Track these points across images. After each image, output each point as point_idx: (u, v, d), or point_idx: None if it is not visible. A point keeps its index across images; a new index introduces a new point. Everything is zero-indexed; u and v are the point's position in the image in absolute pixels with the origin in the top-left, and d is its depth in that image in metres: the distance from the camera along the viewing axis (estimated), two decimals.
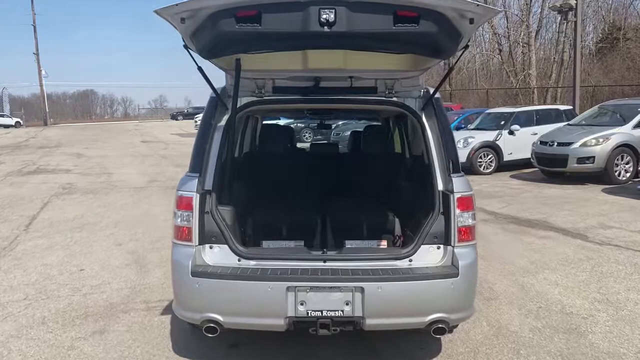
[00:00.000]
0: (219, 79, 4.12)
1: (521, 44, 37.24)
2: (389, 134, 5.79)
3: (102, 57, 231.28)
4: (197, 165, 3.83)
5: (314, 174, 5.35)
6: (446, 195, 3.77)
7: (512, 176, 14.87)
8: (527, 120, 16.19)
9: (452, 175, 3.79)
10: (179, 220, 3.76)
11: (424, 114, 4.02)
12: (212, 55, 3.21)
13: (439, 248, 3.77)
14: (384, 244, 4.48)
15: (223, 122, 3.97)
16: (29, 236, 8.46)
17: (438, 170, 3.87)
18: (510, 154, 15.52)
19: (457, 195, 3.71)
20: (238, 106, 3.92)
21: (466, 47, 3.28)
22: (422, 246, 3.74)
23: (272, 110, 6.06)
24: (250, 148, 6.05)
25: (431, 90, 3.98)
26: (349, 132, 18.45)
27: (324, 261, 3.69)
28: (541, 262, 6.70)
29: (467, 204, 3.75)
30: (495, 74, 42.35)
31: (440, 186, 3.84)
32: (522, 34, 36.88)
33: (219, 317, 3.56)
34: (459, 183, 3.76)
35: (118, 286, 5.94)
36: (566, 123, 15.12)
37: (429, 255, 3.75)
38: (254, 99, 4.06)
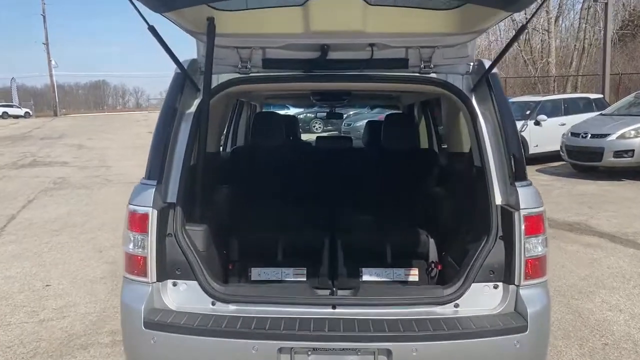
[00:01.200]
0: (190, 48, 3.05)
1: (540, 31, 35.77)
2: (414, 124, 4.58)
3: (114, 47, 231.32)
4: (156, 168, 2.76)
5: (320, 176, 4.23)
6: (508, 212, 2.66)
7: (538, 170, 13.67)
8: (554, 109, 14.98)
9: (516, 183, 2.68)
10: (130, 246, 2.70)
11: (475, 96, 2.89)
12: (162, 5, 2.12)
13: (496, 287, 2.67)
14: (414, 273, 3.39)
15: (193, 109, 2.88)
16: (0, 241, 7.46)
17: (495, 175, 2.76)
18: (537, 146, 14.31)
19: (524, 213, 2.61)
20: (214, 86, 2.85)
21: None
22: (472, 284, 2.65)
23: (261, 92, 4.82)
24: (240, 143, 4.96)
25: (486, 64, 2.85)
26: (361, 122, 17.22)
27: (333, 307, 2.61)
28: (593, 278, 5.59)
29: (537, 225, 2.65)
30: (511, 62, 40.85)
31: (498, 199, 2.74)
32: (541, 20, 35.36)
33: None
34: (527, 195, 2.65)
35: (85, 309, 4.90)
36: (599, 113, 13.89)
37: (482, 298, 2.66)
38: (237, 76, 2.94)
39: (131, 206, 2.71)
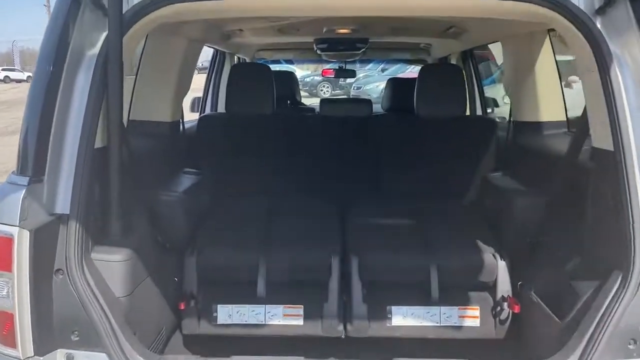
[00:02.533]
0: None
1: None
2: (463, 79, 3.23)
3: None
4: (30, 155, 1.58)
5: (325, 160, 3.00)
6: None
7: None
8: None
9: None
10: None
11: (603, 23, 1.66)
12: None
13: None
14: (473, 315, 2.23)
15: (98, 49, 1.67)
16: None
17: (638, 168, 1.57)
18: None
19: None
20: (131, 6, 1.65)
21: None
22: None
23: (214, 29, 3.19)
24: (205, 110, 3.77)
25: None
26: (372, 85, 15.63)
27: None
28: None
29: None
30: None
31: None
32: None
33: None
34: None
35: None
36: None
37: None
38: None
39: None
